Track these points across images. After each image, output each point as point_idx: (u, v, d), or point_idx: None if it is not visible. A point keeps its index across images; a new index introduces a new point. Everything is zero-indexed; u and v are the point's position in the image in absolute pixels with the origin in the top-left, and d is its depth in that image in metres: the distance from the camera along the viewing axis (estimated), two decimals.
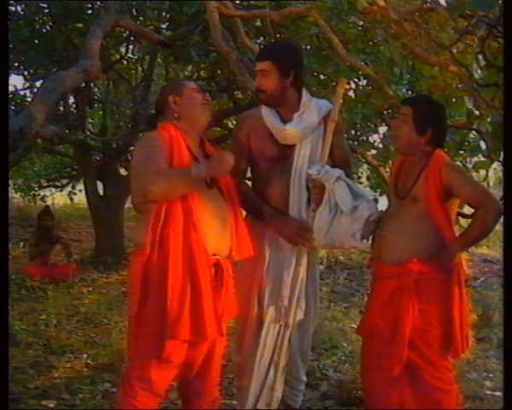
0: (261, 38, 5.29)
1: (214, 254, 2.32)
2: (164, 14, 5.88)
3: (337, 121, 2.65)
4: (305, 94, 2.69)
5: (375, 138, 6.54)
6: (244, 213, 2.57)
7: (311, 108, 2.68)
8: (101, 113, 9.03)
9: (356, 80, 5.04)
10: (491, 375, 3.75)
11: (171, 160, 2.29)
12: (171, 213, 2.23)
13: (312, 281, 2.73)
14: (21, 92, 7.40)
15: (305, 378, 2.83)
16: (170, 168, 2.26)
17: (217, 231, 2.33)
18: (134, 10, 5.78)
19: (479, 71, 3.09)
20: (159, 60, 7.47)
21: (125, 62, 7.76)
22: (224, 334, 2.40)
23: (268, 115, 2.66)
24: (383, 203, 2.95)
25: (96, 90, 8.87)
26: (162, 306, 2.19)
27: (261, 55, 2.72)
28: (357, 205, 2.51)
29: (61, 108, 7.76)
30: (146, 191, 2.17)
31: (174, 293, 2.19)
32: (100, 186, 8.08)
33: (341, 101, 2.76)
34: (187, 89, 2.46)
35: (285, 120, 2.64)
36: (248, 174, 2.87)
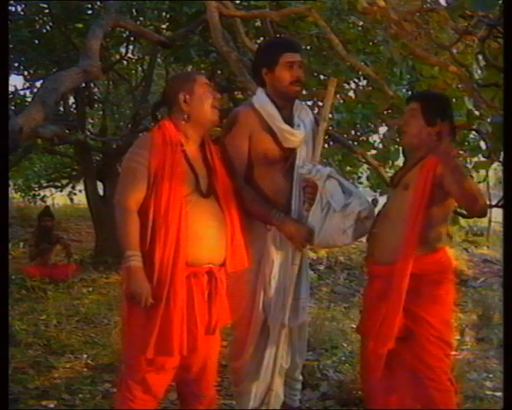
0: (261, 38, 5.28)
1: (208, 263, 2.30)
2: (164, 14, 5.88)
3: None
4: None
5: (375, 138, 6.53)
6: (241, 220, 2.46)
7: (304, 109, 2.69)
8: (101, 113, 9.05)
9: (356, 80, 5.04)
10: (491, 375, 3.74)
11: (163, 164, 2.23)
12: (158, 227, 2.21)
13: (305, 280, 2.72)
14: (21, 92, 7.41)
15: (301, 377, 2.85)
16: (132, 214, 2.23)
17: (211, 240, 2.30)
18: (134, 10, 5.79)
19: (479, 71, 3.08)
20: (159, 60, 7.48)
21: (124, 62, 7.79)
22: (219, 339, 2.44)
23: (273, 116, 2.56)
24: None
25: (96, 90, 8.88)
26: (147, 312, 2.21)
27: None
28: (348, 202, 2.49)
29: (61, 108, 7.77)
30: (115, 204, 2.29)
31: (148, 308, 2.19)
32: (100, 186, 8.09)
33: (331, 100, 2.71)
34: (198, 86, 2.36)
35: (284, 119, 2.60)
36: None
